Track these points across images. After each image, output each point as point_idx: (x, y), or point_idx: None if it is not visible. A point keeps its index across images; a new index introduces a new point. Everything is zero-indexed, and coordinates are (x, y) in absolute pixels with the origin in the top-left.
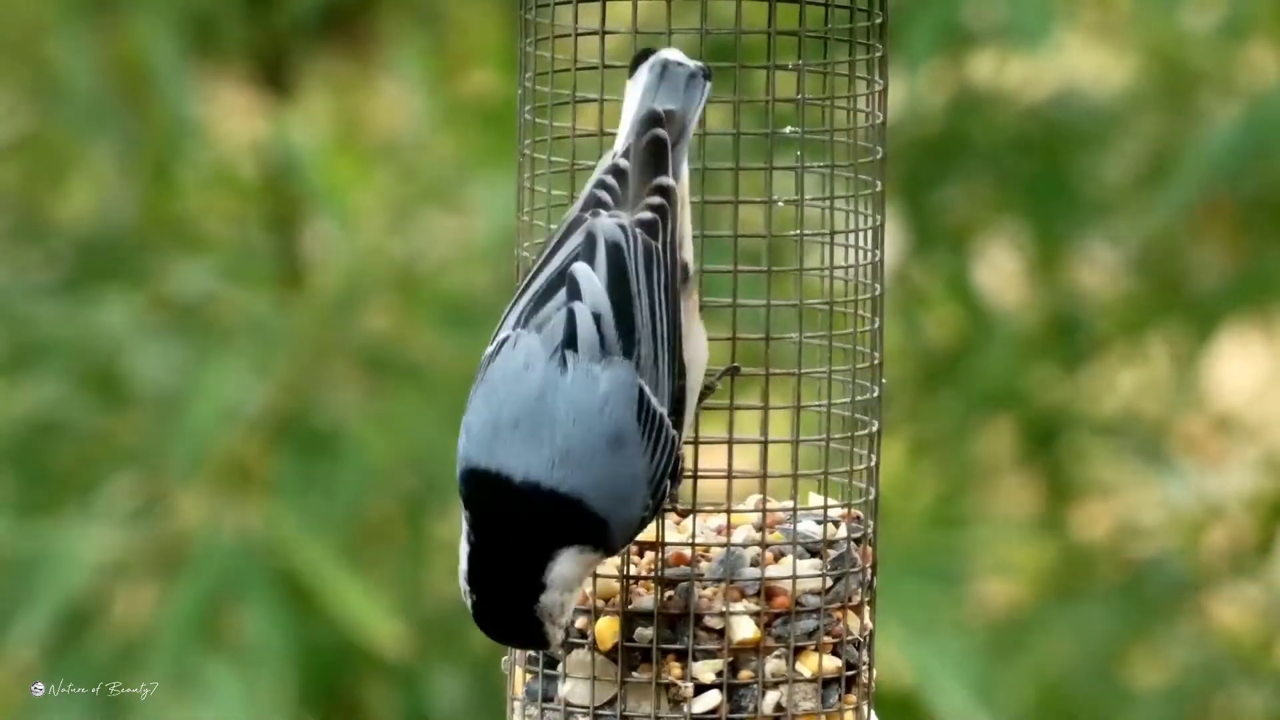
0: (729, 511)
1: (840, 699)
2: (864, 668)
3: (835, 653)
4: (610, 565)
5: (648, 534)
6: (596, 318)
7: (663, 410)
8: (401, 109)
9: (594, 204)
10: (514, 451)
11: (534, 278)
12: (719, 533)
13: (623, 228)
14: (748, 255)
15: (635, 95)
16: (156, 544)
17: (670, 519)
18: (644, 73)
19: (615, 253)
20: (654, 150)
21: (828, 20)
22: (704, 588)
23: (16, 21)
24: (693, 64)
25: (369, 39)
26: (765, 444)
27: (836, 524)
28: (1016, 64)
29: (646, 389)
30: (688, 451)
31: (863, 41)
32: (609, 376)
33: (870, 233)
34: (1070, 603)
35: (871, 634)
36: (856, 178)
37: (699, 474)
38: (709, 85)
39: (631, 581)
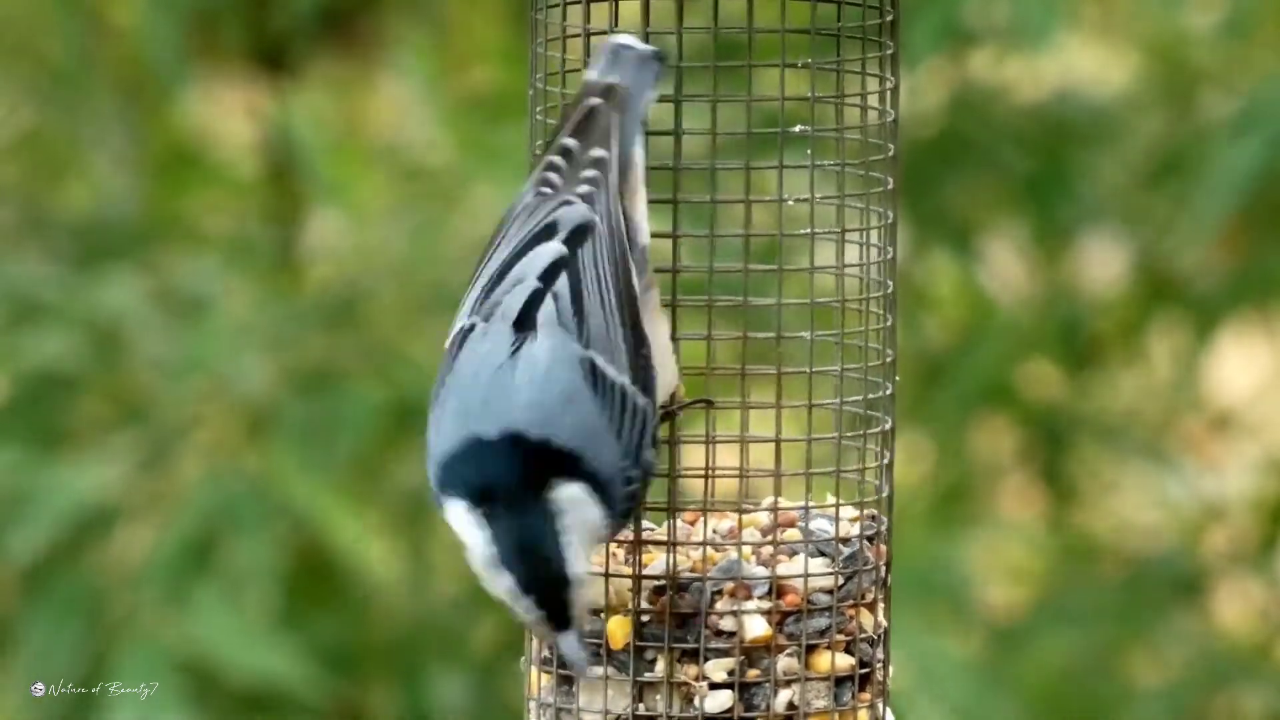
0: (740, 511)
1: (854, 697)
2: (879, 665)
3: (848, 651)
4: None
5: (658, 534)
6: (555, 297)
7: (623, 380)
8: (402, 108)
9: (542, 184)
10: (485, 420)
11: (488, 261)
12: (730, 534)
13: (585, 212)
14: (759, 254)
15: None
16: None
17: (682, 520)
18: (596, 58)
19: (579, 234)
20: (592, 120)
21: (839, 18)
22: (716, 588)
23: (15, 18)
24: (643, 47)
25: (369, 38)
26: (778, 443)
27: (851, 521)
28: (1017, 62)
29: (599, 360)
30: (699, 451)
31: (874, 39)
32: (548, 347)
33: (882, 230)
34: (1070, 602)
35: (886, 631)
36: (868, 175)
37: (712, 473)
38: (660, 66)
39: (643, 583)
